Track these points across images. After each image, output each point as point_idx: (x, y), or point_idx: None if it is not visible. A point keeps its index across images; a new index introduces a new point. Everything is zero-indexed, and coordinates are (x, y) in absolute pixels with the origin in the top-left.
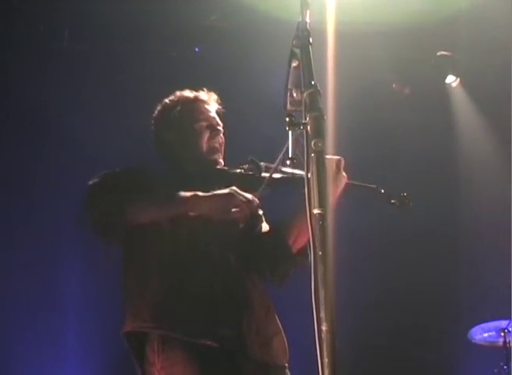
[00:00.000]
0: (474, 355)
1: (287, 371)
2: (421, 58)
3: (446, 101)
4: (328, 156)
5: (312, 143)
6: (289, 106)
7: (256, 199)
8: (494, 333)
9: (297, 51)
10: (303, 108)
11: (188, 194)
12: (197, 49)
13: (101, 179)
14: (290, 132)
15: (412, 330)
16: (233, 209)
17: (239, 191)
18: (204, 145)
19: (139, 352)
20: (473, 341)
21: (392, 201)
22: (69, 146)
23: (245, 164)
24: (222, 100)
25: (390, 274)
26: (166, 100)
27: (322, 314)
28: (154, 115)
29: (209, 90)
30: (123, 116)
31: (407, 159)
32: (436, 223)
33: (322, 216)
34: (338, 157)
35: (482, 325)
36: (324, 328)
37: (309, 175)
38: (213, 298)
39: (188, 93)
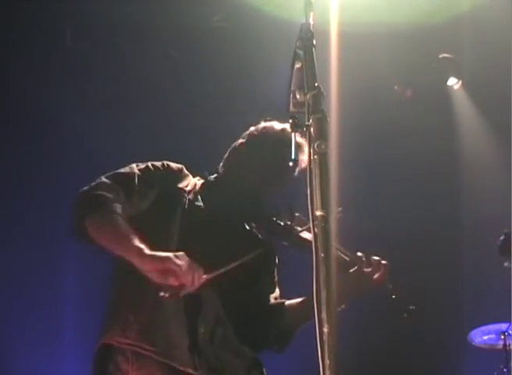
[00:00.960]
0: (474, 357)
1: None
2: (423, 61)
3: (447, 104)
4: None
5: (315, 145)
6: (292, 108)
7: (199, 274)
8: (494, 335)
9: (301, 52)
10: (306, 109)
11: (135, 245)
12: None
13: (90, 187)
14: (293, 134)
15: (412, 332)
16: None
17: (184, 259)
18: (283, 174)
19: (108, 362)
20: (473, 343)
21: (405, 315)
22: (70, 145)
23: (282, 212)
24: (224, 101)
25: (390, 277)
26: (283, 127)
27: (324, 315)
28: (258, 129)
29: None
30: (125, 116)
31: (408, 161)
32: (437, 226)
33: (325, 218)
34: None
35: (482, 328)
36: (325, 330)
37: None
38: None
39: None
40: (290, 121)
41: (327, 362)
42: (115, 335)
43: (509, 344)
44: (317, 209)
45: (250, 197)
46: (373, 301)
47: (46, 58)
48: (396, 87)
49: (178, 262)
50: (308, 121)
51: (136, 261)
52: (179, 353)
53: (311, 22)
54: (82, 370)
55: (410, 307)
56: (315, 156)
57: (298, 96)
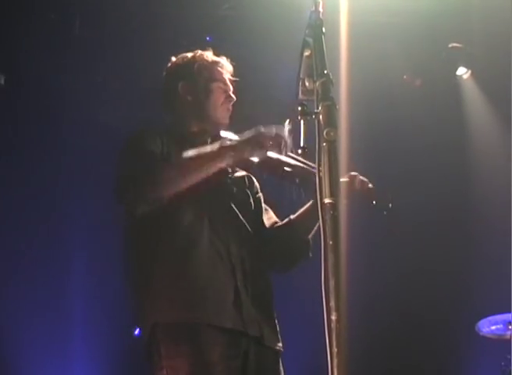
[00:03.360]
0: (482, 347)
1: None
2: (432, 50)
3: (456, 93)
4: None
5: (324, 132)
6: (301, 95)
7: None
8: (502, 326)
9: (310, 40)
10: (315, 97)
11: (212, 148)
12: (208, 38)
13: (126, 168)
14: (302, 121)
15: (420, 322)
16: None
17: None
18: (216, 106)
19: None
20: (480, 333)
21: (384, 212)
22: (78, 135)
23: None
24: (233, 89)
25: (399, 266)
26: (185, 54)
27: (332, 303)
28: (168, 65)
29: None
30: (134, 104)
31: (417, 150)
32: (446, 216)
33: (333, 206)
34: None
35: (490, 318)
36: (333, 318)
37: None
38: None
39: (210, 54)
40: (299, 108)
41: (335, 349)
42: (160, 313)
43: None
44: (325, 197)
45: (208, 128)
46: (379, 292)
47: (55, 47)
48: (405, 77)
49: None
50: (317, 108)
51: (235, 158)
52: (227, 314)
53: (321, 10)
54: (90, 369)
55: (390, 205)
56: (324, 144)
57: (307, 83)
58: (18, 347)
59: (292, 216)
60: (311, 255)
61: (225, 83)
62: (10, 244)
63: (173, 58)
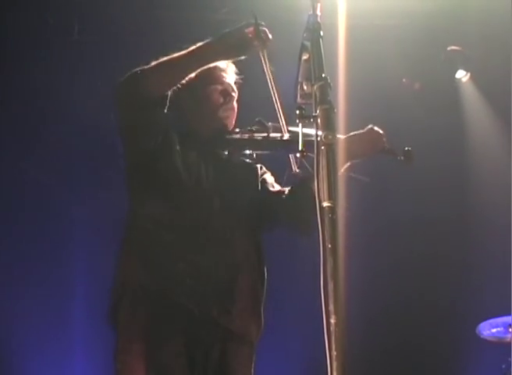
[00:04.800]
0: (482, 350)
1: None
2: (431, 53)
3: (455, 96)
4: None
5: (322, 136)
6: (299, 99)
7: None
8: (502, 328)
9: (308, 44)
10: (313, 101)
11: (200, 44)
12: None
13: None
14: (300, 125)
15: (420, 324)
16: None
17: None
18: (215, 109)
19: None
20: (481, 336)
21: (399, 157)
22: (77, 139)
23: (253, 126)
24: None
25: (398, 269)
26: None
27: (331, 307)
28: None
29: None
30: None
31: (416, 153)
32: (446, 218)
33: (332, 209)
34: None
35: (490, 320)
36: (332, 321)
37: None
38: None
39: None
40: (297, 112)
41: (334, 353)
42: (128, 275)
43: None
44: (324, 200)
45: (214, 133)
46: (380, 296)
47: (53, 52)
48: (404, 80)
49: (245, 24)
50: (315, 112)
51: (218, 48)
52: (189, 293)
53: (319, 13)
54: (91, 369)
55: (406, 148)
56: (322, 147)
57: (305, 87)
58: (18, 346)
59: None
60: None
61: (222, 84)
62: (10, 244)
63: None
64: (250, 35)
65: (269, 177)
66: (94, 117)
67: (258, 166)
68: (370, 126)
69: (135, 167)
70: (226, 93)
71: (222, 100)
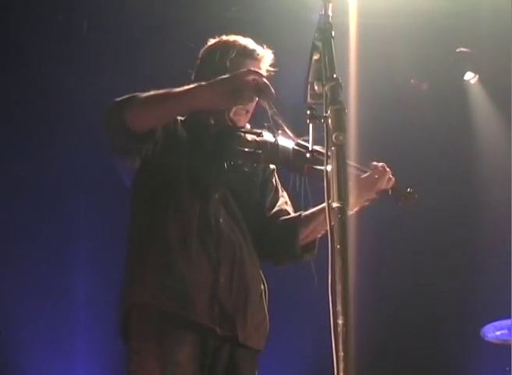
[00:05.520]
0: (487, 352)
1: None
2: (440, 54)
3: (463, 98)
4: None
5: (333, 136)
6: (309, 99)
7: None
8: (506, 331)
9: (319, 44)
10: (324, 101)
11: (192, 86)
12: None
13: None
14: (311, 125)
15: (425, 327)
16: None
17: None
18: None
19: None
20: (485, 338)
21: (399, 203)
22: (86, 138)
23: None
24: None
25: (404, 271)
26: (225, 39)
27: (339, 308)
28: (206, 47)
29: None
30: None
31: (423, 154)
32: (451, 220)
33: (341, 210)
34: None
35: (495, 323)
36: (340, 322)
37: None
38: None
39: (248, 44)
40: (308, 112)
41: (341, 354)
42: (139, 294)
43: None
44: (333, 201)
45: (222, 128)
46: (386, 298)
47: (62, 49)
48: (412, 81)
49: (244, 72)
50: (326, 112)
51: (207, 95)
52: (199, 307)
53: (330, 13)
54: (93, 369)
55: (408, 189)
56: (333, 148)
57: (316, 87)
58: (20, 346)
59: (303, 213)
60: (309, 256)
61: None
62: (11, 243)
63: (211, 42)
64: (249, 85)
65: (271, 191)
66: (99, 115)
67: (265, 171)
68: (374, 163)
69: (138, 183)
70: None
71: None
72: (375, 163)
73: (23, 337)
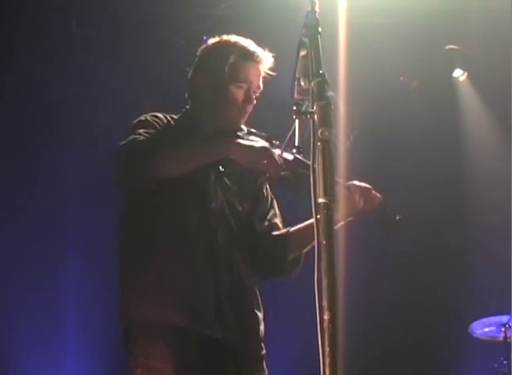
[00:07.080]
0: (475, 349)
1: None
2: (429, 51)
3: (453, 95)
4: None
5: (319, 132)
6: (296, 95)
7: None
8: (495, 328)
9: (306, 40)
10: (310, 97)
11: (222, 140)
12: (205, 37)
13: (131, 139)
14: (297, 120)
15: (413, 324)
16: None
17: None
18: (230, 108)
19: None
20: (473, 335)
21: (386, 230)
22: (74, 133)
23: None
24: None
25: (393, 267)
26: (225, 38)
27: (325, 303)
28: (203, 47)
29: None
30: (131, 103)
31: (413, 151)
32: (442, 217)
33: (327, 205)
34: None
35: (483, 319)
36: (326, 317)
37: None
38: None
39: (249, 46)
40: (294, 108)
41: (327, 349)
42: (140, 308)
43: (509, 337)
44: (319, 196)
45: (219, 130)
46: (375, 295)
47: (51, 45)
48: (401, 78)
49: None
50: (312, 108)
51: (234, 153)
52: (207, 319)
53: (317, 10)
54: (84, 368)
55: (397, 217)
56: (319, 143)
57: (303, 83)
58: (10, 345)
59: (291, 229)
60: (295, 270)
61: (250, 83)
62: (5, 242)
63: (212, 41)
64: (263, 164)
65: (262, 199)
66: (91, 114)
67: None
68: (350, 182)
69: (133, 191)
70: (248, 94)
71: (240, 101)
72: (356, 183)
73: (13, 337)
